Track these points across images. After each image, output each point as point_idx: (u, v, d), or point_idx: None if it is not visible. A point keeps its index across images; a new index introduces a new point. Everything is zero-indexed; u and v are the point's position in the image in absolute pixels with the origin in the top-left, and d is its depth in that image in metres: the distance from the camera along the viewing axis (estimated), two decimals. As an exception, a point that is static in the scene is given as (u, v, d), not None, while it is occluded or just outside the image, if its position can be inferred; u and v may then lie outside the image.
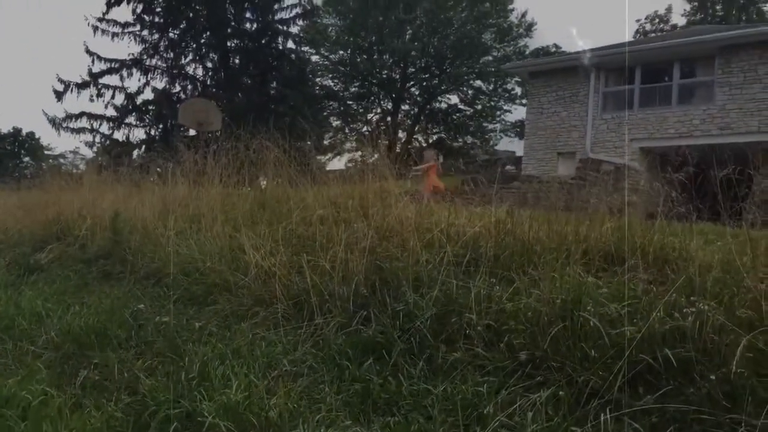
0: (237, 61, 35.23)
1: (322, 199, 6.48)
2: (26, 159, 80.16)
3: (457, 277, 4.41)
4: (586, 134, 21.29)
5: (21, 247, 8.74)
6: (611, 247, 4.97)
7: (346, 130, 46.47)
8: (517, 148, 49.44)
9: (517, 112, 45.09)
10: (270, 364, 4.22)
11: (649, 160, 19.46)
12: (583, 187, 16.98)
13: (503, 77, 42.08)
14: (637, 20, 47.94)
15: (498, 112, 44.79)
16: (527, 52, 43.52)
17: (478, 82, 44.33)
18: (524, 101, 45.75)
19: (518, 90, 43.41)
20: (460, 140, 46.21)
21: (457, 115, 45.18)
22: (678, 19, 45.63)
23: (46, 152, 77.31)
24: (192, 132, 32.39)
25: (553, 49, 51.69)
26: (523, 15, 43.15)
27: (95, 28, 31.70)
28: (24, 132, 79.94)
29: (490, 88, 44.22)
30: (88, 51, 31.60)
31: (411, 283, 4.34)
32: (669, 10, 44.68)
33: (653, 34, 42.86)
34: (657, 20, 47.57)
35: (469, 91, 44.94)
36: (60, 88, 31.41)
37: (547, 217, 5.53)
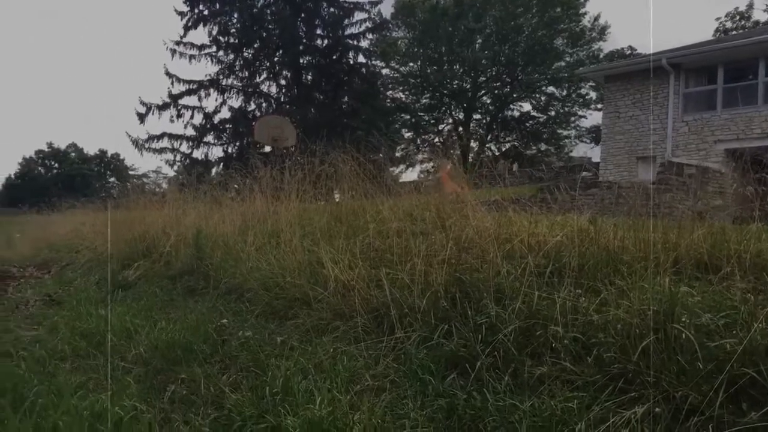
0: (309, 77, 35.85)
1: (398, 211, 6.45)
2: (112, 179, 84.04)
3: (540, 289, 4.27)
4: (667, 137, 20.55)
5: (111, 265, 9.09)
6: (703, 254, 4.72)
7: (418, 142, 46.52)
8: (593, 153, 48.30)
9: (593, 118, 44.09)
10: (352, 379, 4.20)
11: (735, 162, 18.59)
12: (667, 192, 16.38)
13: (577, 82, 41.22)
14: (717, 18, 46.09)
15: (572, 118, 43.92)
16: (601, 56, 42.51)
17: (551, 88, 43.63)
18: (599, 106, 44.81)
19: (593, 95, 42.46)
20: (534, 148, 45.51)
21: (530, 122, 44.54)
22: (760, 15, 43.59)
23: (130, 172, 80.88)
24: (267, 148, 33.27)
25: (628, 52, 50.31)
26: (596, 18, 42.22)
27: (173, 51, 33.07)
28: (109, 153, 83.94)
29: (564, 93, 43.45)
30: (167, 73, 32.93)
31: (492, 295, 4.23)
32: (750, 6, 42.69)
33: (734, 32, 41.05)
34: (738, 17, 45.62)
35: (542, 98, 44.27)
36: (142, 110, 32.83)
37: (632, 224, 5.31)
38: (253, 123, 35.14)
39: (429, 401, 3.71)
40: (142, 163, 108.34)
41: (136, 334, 6.10)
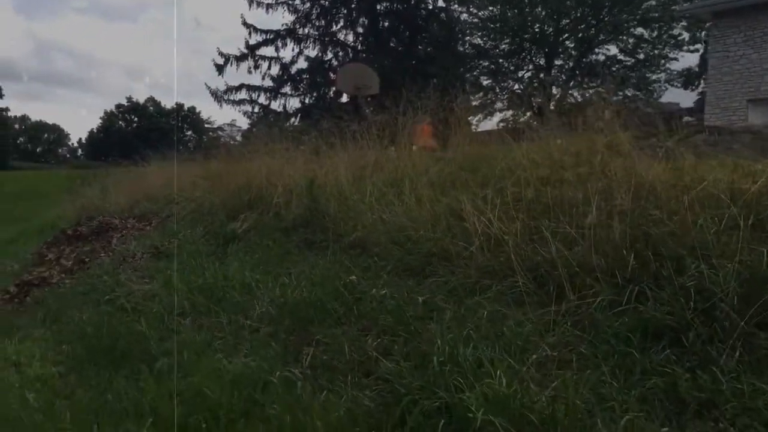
0: (386, 24, 34.84)
1: (540, 156, 5.77)
2: (189, 132, 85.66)
3: (749, 245, 3.57)
4: (783, 78, 18.89)
5: (213, 217, 8.79)
6: None
7: (497, 90, 44.95)
8: (682, 98, 45.66)
9: (684, 60, 41.47)
10: (525, 348, 3.64)
11: None
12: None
13: (668, 22, 38.60)
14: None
15: (663, 61, 41.29)
16: (695, -7, 39.63)
17: (640, 30, 40.99)
18: (693, 47, 42.19)
19: (686, 35, 39.81)
20: (620, 93, 43.26)
21: (617, 66, 42.20)
22: None
23: (206, 125, 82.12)
24: (344, 98, 32.76)
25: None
26: (690, -49, 39.16)
27: (250, 1, 32.44)
28: (186, 107, 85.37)
29: (654, 35, 40.78)
30: (244, 23, 32.50)
31: (699, 253, 3.54)
32: None
33: None
34: None
35: (630, 40, 41.74)
36: (220, 61, 32.57)
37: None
38: (330, 73, 34.72)
39: (636, 380, 3.12)
40: (218, 116, 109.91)
41: (257, 289, 5.73)
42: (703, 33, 44.48)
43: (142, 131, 75.98)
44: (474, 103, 40.41)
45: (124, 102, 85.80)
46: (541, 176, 5.31)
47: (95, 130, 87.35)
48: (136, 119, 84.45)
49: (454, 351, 3.63)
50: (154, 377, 4.47)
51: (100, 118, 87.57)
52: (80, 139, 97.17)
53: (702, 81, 53.26)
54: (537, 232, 4.61)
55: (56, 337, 6.13)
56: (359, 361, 4.12)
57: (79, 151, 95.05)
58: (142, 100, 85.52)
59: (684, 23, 37.38)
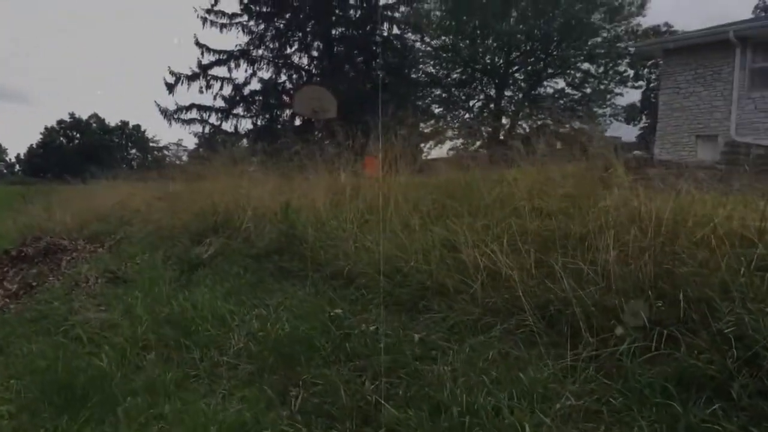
0: (341, 49, 34.76)
1: (530, 184, 5.54)
2: (133, 151, 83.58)
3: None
4: (731, 115, 19.41)
5: (174, 240, 8.28)
6: None
7: (448, 118, 45.34)
8: (623, 133, 46.95)
9: (629, 96, 42.69)
10: (545, 396, 3.34)
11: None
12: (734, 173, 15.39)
13: (614, 59, 39.80)
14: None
15: (608, 96, 42.48)
16: (639, 32, 41.02)
17: (587, 65, 42.13)
18: (637, 84, 43.55)
19: (630, 72, 41.15)
20: (567, 126, 44.13)
21: (564, 99, 43.16)
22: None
23: (151, 144, 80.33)
24: (297, 122, 32.38)
25: (664, 29, 48.69)
26: (635, -8, 40.52)
27: (204, 20, 32.01)
28: (131, 125, 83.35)
29: (600, 70, 41.96)
30: (197, 43, 31.96)
31: (736, 296, 3.31)
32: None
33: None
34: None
35: (577, 75, 42.83)
36: (171, 80, 31.86)
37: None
38: (283, 95, 34.32)
39: (681, 438, 2.84)
40: (163, 135, 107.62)
41: (231, 321, 5.29)
42: (646, 71, 46.17)
43: (84, 148, 73.62)
44: (426, 131, 40.71)
45: (66, 118, 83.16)
46: (538, 207, 5.08)
47: (34, 146, 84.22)
48: (78, 135, 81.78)
49: (470, 398, 3.31)
50: (124, 426, 3.99)
51: (41, 133, 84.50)
52: (18, 154, 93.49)
53: (643, 116, 55.08)
54: (542, 266, 4.35)
55: (3, 370, 5.51)
56: (357, 406, 3.75)
57: (17, 167, 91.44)
58: (85, 117, 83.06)
59: (628, 60, 38.61)
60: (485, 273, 4.48)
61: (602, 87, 42.63)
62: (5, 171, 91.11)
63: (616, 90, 42.55)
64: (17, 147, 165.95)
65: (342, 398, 3.78)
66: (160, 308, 5.87)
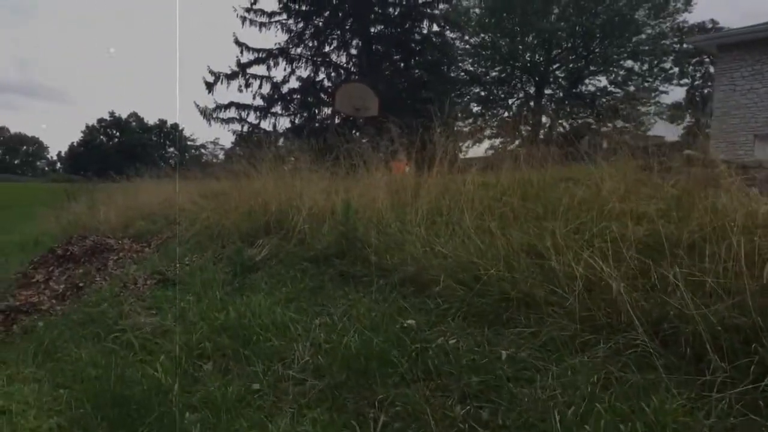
0: (380, 47, 34.41)
1: (616, 184, 5.06)
2: (170, 149, 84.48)
3: None
4: (792, 114, 18.61)
5: (224, 240, 7.95)
6: None
7: (487, 117, 44.69)
8: (667, 132, 45.82)
9: (674, 93, 41.58)
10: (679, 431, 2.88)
11: None
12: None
13: (659, 56, 38.70)
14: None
15: (653, 94, 41.37)
16: (685, 29, 39.93)
17: (630, 62, 41.10)
18: (682, 81, 42.36)
19: (675, 70, 40.01)
20: (610, 125, 43.15)
21: (607, 97, 42.18)
22: None
23: (188, 143, 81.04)
24: (337, 120, 32.09)
25: (710, 25, 47.30)
26: (682, -13, 39.37)
27: (243, 19, 31.97)
28: (168, 124, 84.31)
29: (645, 68, 40.89)
30: (237, 42, 31.89)
31: None
32: None
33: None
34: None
35: (620, 72, 41.80)
36: (210, 79, 31.84)
37: None
38: (321, 94, 34.10)
39: None
40: (200, 134, 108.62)
41: (294, 331, 4.92)
42: (690, 68, 44.96)
43: (124, 146, 74.67)
44: (464, 129, 40.17)
45: (107, 117, 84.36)
46: (630, 209, 4.60)
47: (75, 144, 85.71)
48: (118, 134, 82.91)
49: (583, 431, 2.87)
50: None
51: (81, 131, 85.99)
52: (60, 152, 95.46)
53: (688, 115, 53.71)
54: (646, 276, 3.88)
55: (52, 378, 5.21)
56: (448, 432, 3.34)
57: (58, 165, 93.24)
58: (124, 115, 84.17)
59: (673, 57, 37.55)
60: (582, 283, 4.02)
61: (646, 84, 41.57)
62: (47, 169, 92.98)
63: (661, 88, 41.45)
64: (57, 145, 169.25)
65: (430, 424, 3.38)
66: (215, 314, 5.52)
